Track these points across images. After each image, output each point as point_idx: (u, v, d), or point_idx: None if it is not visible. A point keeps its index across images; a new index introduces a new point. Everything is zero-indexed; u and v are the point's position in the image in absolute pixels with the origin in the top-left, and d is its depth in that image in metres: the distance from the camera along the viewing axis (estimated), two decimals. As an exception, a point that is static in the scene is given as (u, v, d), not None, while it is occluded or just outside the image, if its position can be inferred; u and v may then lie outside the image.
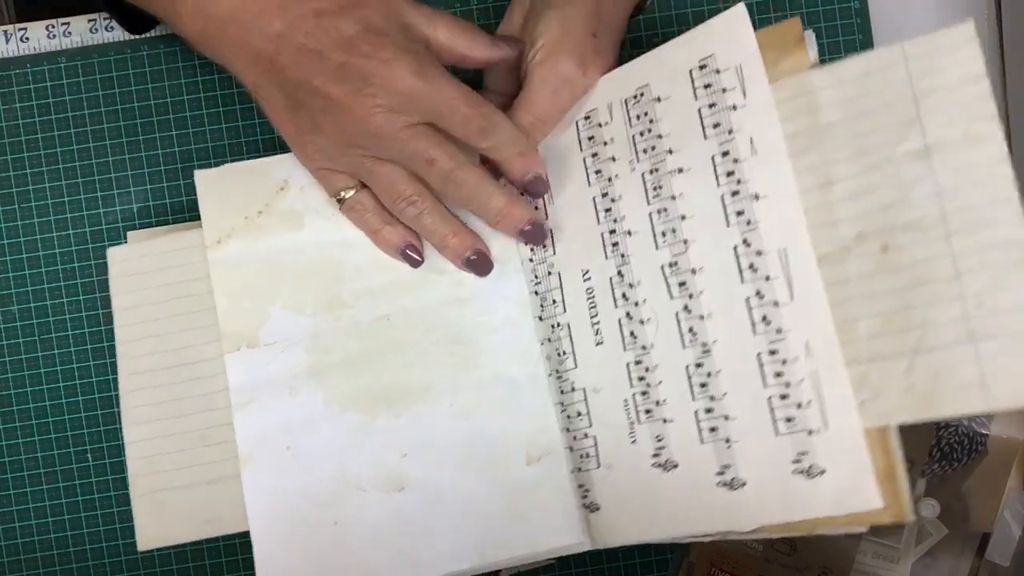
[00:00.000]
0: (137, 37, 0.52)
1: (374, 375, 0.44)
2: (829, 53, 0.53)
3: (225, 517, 0.44)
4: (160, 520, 0.45)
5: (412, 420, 0.44)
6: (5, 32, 0.52)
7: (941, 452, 0.47)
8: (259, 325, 0.44)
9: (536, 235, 0.44)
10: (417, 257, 0.44)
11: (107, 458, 0.51)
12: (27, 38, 0.52)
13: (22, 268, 0.52)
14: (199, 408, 0.45)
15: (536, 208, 0.45)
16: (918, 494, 0.47)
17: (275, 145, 0.52)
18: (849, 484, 0.35)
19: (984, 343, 0.33)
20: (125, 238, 0.50)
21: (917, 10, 0.54)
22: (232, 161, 0.52)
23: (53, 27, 0.52)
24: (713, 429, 0.39)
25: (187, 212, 0.52)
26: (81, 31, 0.52)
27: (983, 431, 0.47)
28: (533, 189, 0.43)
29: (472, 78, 0.53)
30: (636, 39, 0.53)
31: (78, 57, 0.52)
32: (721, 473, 0.38)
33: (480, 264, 0.44)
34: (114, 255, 0.46)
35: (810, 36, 0.38)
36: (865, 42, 0.53)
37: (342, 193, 0.44)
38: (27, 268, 0.52)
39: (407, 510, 0.43)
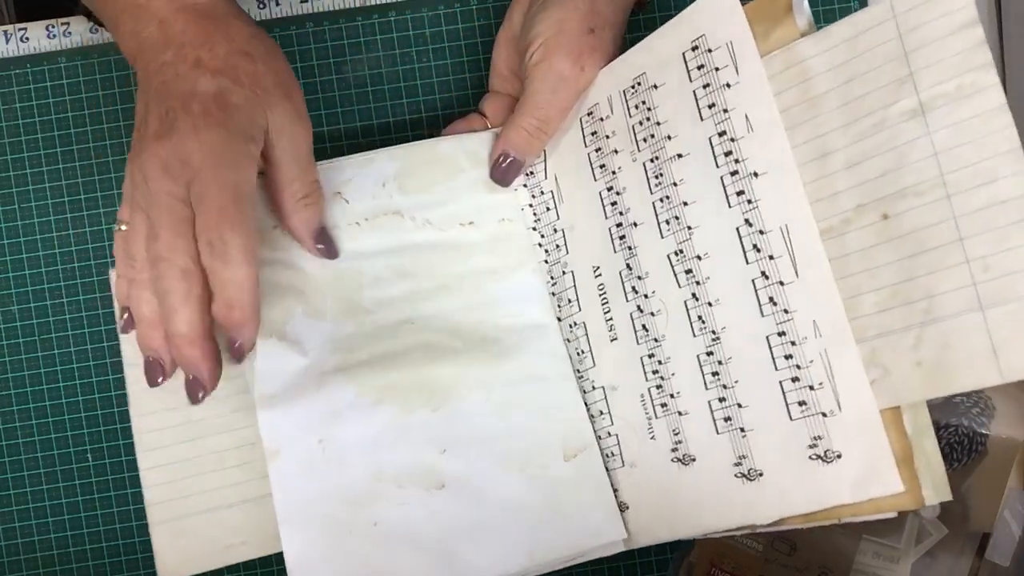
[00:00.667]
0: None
1: (405, 369, 0.43)
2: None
3: (250, 540, 0.43)
4: (181, 549, 0.43)
5: (450, 415, 0.43)
6: (5, 32, 0.52)
7: (941, 452, 0.47)
8: (285, 321, 0.43)
9: (193, 390, 0.40)
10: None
11: (107, 458, 0.51)
12: (27, 38, 0.52)
13: (22, 268, 0.52)
14: (216, 430, 0.44)
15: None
16: (918, 494, 0.47)
17: (275, 145, 0.52)
18: (867, 468, 0.35)
19: (992, 310, 0.32)
20: (125, 238, 0.50)
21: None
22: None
23: (53, 27, 0.52)
24: (727, 419, 0.39)
25: (187, 212, 0.52)
26: (81, 31, 0.52)
27: (983, 431, 0.47)
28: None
29: (472, 76, 0.53)
30: (636, 39, 0.53)
31: (78, 57, 0.52)
32: (738, 464, 0.38)
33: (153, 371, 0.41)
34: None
35: (800, 3, 0.37)
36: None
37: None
38: (27, 268, 0.52)
39: (449, 509, 0.42)
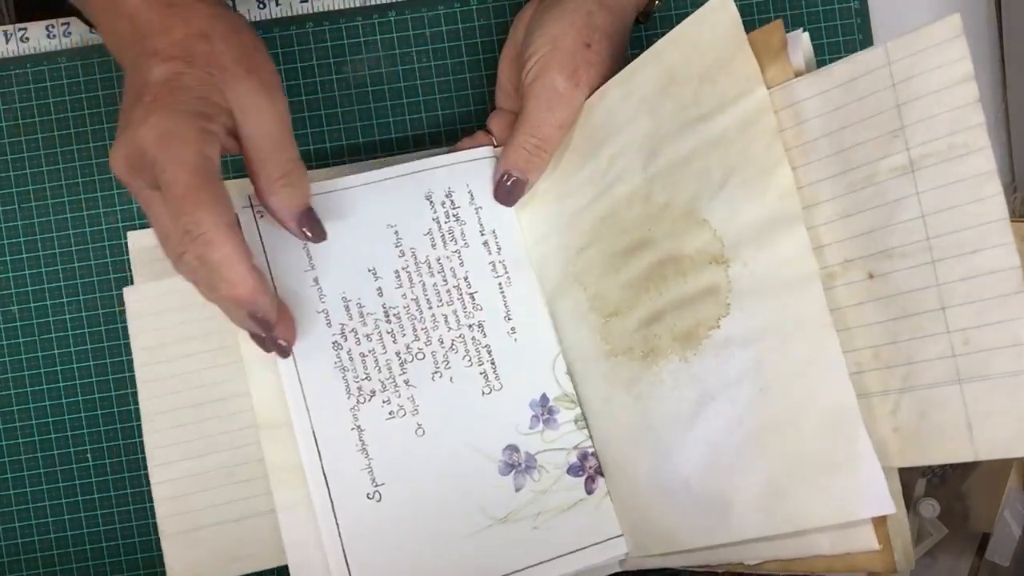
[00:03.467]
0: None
1: None
2: (829, 53, 0.53)
3: (256, 554, 0.44)
4: (190, 560, 0.44)
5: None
6: (5, 32, 0.52)
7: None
8: None
9: (269, 346, 0.40)
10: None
11: (107, 458, 0.51)
12: (27, 38, 0.52)
13: (22, 268, 0.52)
14: (225, 446, 0.45)
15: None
16: (918, 494, 0.47)
17: (275, 145, 0.52)
18: (847, 524, 0.34)
19: (970, 384, 0.31)
20: (125, 238, 0.50)
21: (918, 11, 0.54)
22: (233, 160, 0.52)
23: (53, 27, 0.52)
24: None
25: (187, 212, 0.52)
26: (81, 31, 0.52)
27: (983, 431, 0.47)
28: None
29: (473, 76, 0.53)
30: (636, 39, 0.53)
31: (78, 57, 0.52)
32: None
33: (261, 324, 0.38)
34: (129, 295, 0.46)
35: (796, 38, 0.36)
36: (865, 41, 0.53)
37: None
38: (27, 268, 0.52)
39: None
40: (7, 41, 0.52)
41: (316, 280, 0.43)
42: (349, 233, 0.44)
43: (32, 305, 0.52)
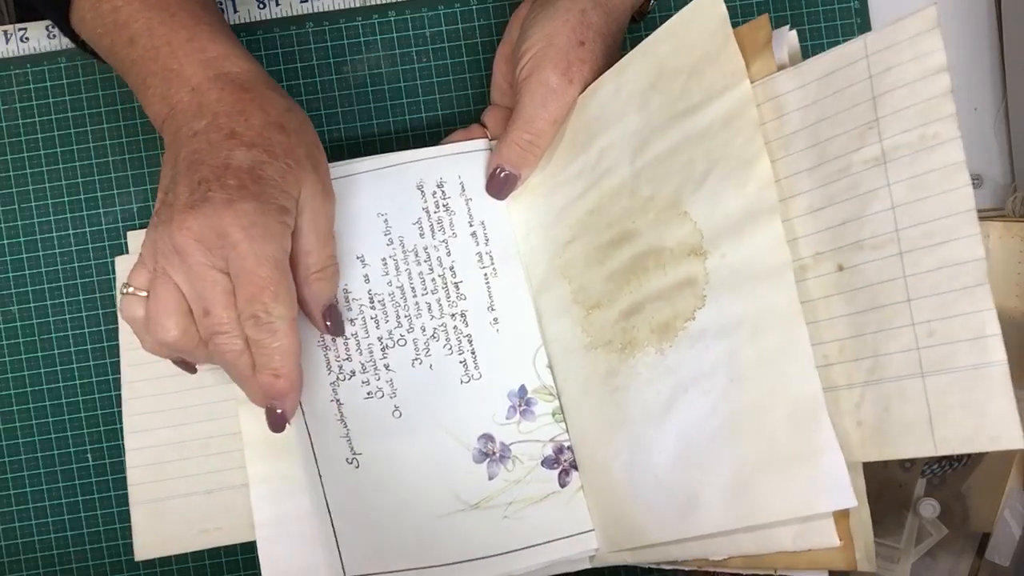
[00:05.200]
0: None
1: None
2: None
3: (223, 527, 0.44)
4: (158, 529, 0.44)
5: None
6: (5, 32, 0.52)
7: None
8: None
9: (276, 423, 0.40)
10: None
11: (107, 458, 0.51)
12: (27, 38, 0.52)
13: (22, 268, 0.52)
14: (202, 417, 0.45)
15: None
16: (918, 494, 0.47)
17: (275, 145, 0.52)
18: (808, 520, 0.34)
19: (932, 377, 0.31)
20: (125, 238, 0.50)
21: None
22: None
23: (53, 27, 0.52)
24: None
25: (187, 212, 0.52)
26: (81, 31, 0.52)
27: (983, 431, 0.47)
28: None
29: (472, 76, 0.53)
30: (635, 39, 0.53)
31: (78, 57, 0.52)
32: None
33: (275, 420, 0.40)
34: (121, 264, 0.47)
35: (781, 35, 0.37)
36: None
37: (130, 289, 0.40)
38: (27, 268, 0.52)
39: None
40: (7, 41, 0.52)
41: None
42: (340, 221, 0.45)
43: (32, 305, 0.52)
